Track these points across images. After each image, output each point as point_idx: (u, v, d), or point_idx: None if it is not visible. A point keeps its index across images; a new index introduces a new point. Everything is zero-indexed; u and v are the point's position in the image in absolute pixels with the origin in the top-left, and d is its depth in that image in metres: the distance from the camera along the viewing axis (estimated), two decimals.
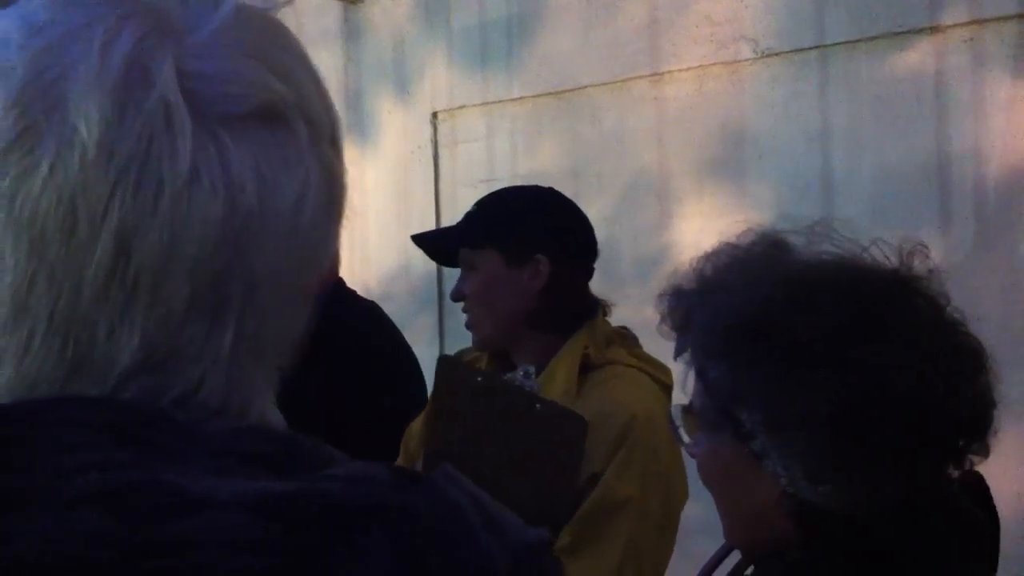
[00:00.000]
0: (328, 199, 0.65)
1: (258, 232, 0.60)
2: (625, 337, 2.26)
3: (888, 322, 1.14)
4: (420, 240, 2.34)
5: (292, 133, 0.62)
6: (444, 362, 2.07)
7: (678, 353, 1.24)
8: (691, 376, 1.24)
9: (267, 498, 0.56)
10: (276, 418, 0.66)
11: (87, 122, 0.57)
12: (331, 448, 0.62)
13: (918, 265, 1.20)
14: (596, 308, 2.25)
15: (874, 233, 1.23)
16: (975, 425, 1.15)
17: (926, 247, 1.21)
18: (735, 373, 1.17)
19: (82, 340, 0.59)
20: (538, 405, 1.97)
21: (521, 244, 2.20)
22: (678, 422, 1.29)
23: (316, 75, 0.66)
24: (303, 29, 6.18)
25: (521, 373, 2.12)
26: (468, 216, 2.27)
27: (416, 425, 2.28)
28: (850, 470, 1.12)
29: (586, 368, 2.15)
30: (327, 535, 0.55)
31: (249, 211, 0.60)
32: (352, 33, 5.85)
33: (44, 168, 0.58)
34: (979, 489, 1.21)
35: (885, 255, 1.20)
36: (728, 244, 1.25)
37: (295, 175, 0.62)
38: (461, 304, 2.26)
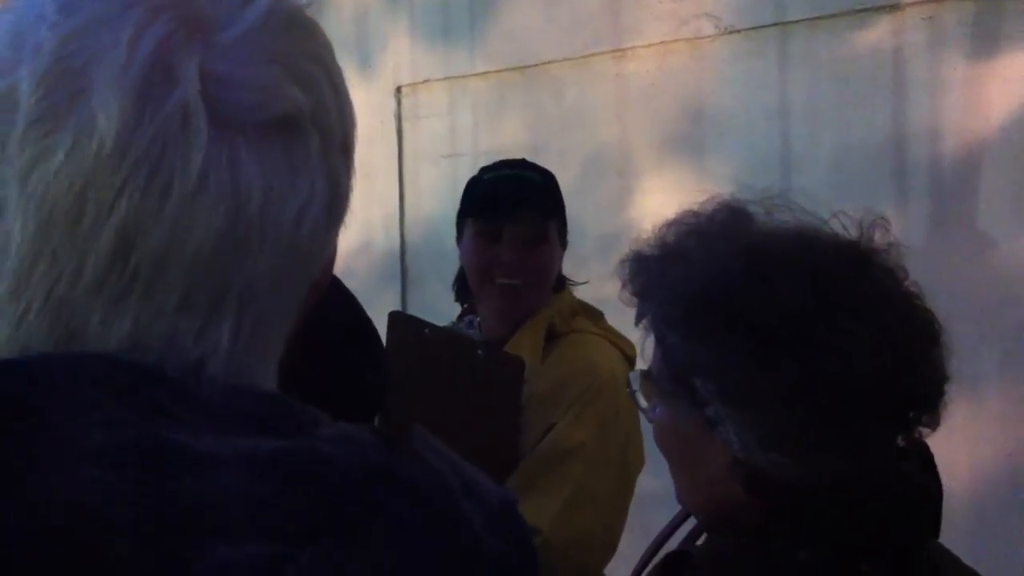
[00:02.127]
0: (329, 208, 0.66)
1: (258, 241, 0.61)
2: (590, 311, 2.32)
3: (844, 299, 1.15)
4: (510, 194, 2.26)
5: (304, 143, 0.63)
6: (395, 317, 2.10)
7: (638, 319, 1.26)
8: (650, 342, 1.25)
9: (266, 456, 0.57)
10: None
11: (107, 115, 0.58)
12: (315, 409, 0.64)
13: (878, 238, 1.21)
14: (561, 282, 2.32)
15: (832, 208, 1.24)
16: (927, 399, 1.17)
17: (887, 220, 1.22)
18: (692, 343, 1.18)
19: (75, 321, 0.60)
20: (480, 351, 2.04)
21: (564, 223, 2.30)
22: (636, 387, 1.31)
23: (336, 81, 0.67)
24: None
25: (465, 322, 2.17)
26: (533, 183, 2.26)
27: None
28: (800, 441, 1.14)
29: (551, 337, 2.20)
30: (332, 493, 0.58)
31: (251, 221, 0.61)
32: (315, 7, 5.80)
33: (60, 154, 0.58)
34: (923, 455, 1.24)
35: (844, 227, 1.21)
36: (690, 212, 1.26)
37: (301, 187, 0.63)
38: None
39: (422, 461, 0.63)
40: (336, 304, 2.69)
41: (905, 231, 3.69)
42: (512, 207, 2.20)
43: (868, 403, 1.13)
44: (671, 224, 1.26)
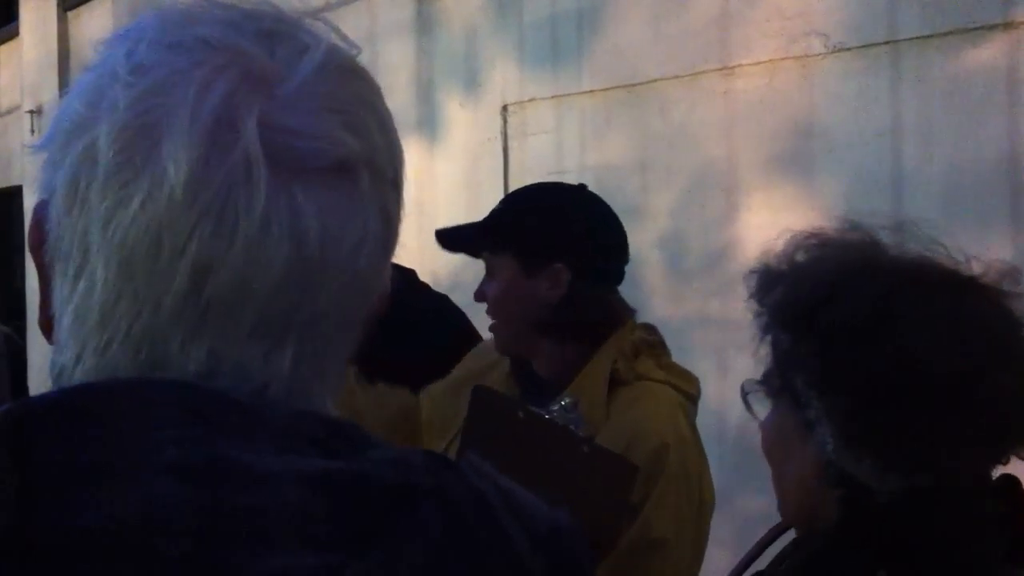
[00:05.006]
0: (384, 240, 0.71)
1: (319, 275, 0.67)
2: (652, 345, 2.15)
3: (935, 307, 1.20)
4: (443, 236, 2.23)
5: (357, 184, 0.68)
6: (480, 392, 1.92)
7: (763, 334, 1.30)
8: (764, 349, 1.30)
9: (319, 474, 0.63)
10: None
11: (176, 166, 0.64)
12: (370, 432, 0.69)
13: (1006, 284, 1.24)
14: (622, 316, 2.14)
15: (944, 228, 1.27)
16: (1019, 422, 1.19)
17: (1020, 272, 1.25)
18: (798, 340, 1.24)
19: (156, 350, 0.67)
20: (585, 448, 1.86)
21: (537, 250, 2.10)
22: (748, 389, 1.35)
23: (384, 122, 0.72)
24: (377, 22, 6.26)
25: (563, 405, 2.00)
26: (491, 214, 2.19)
27: (436, 390, 2.28)
28: (887, 443, 1.18)
29: (615, 382, 2.07)
30: (380, 511, 0.63)
31: (311, 257, 0.66)
32: (425, 26, 5.91)
33: (136, 202, 0.65)
34: (1010, 486, 1.25)
35: (968, 266, 1.25)
36: (821, 231, 1.31)
37: (356, 224, 0.68)
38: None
39: (466, 482, 0.67)
40: (433, 313, 2.79)
41: (1018, 249, 3.62)
42: (475, 241, 2.23)
43: (951, 410, 1.16)
44: (801, 239, 1.31)
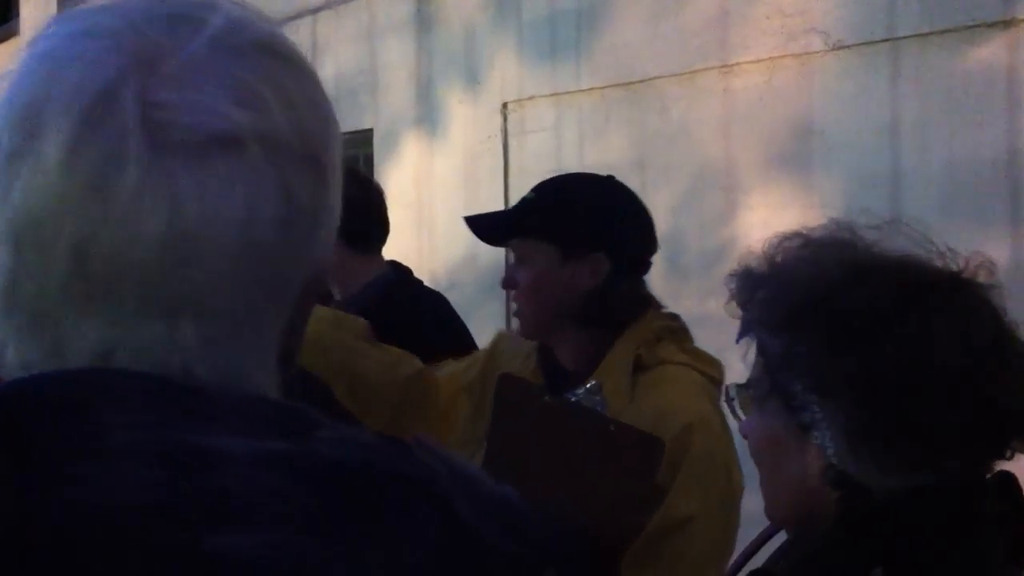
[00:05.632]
0: (283, 217, 0.70)
1: (199, 246, 0.67)
2: (674, 331, 2.17)
3: (932, 304, 1.19)
4: (474, 222, 2.23)
5: (245, 157, 0.68)
6: (505, 380, 1.93)
7: (743, 333, 1.29)
8: (751, 352, 1.29)
9: (276, 455, 0.65)
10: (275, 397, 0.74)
11: (53, 148, 0.65)
12: (318, 413, 0.70)
13: (982, 276, 1.24)
14: (646, 303, 2.16)
15: (943, 228, 1.27)
16: (1019, 418, 1.19)
17: (993, 264, 1.25)
18: (791, 343, 1.22)
19: (53, 330, 0.68)
20: (612, 427, 1.84)
21: (580, 239, 2.10)
22: (734, 395, 1.34)
23: (292, 98, 0.71)
24: (376, 21, 6.26)
25: (587, 388, 2.05)
26: (524, 202, 2.19)
27: (456, 372, 2.29)
28: (882, 446, 1.17)
29: (638, 367, 2.08)
30: (333, 488, 0.65)
31: (188, 231, 0.66)
32: (424, 24, 5.90)
33: (19, 187, 0.66)
34: (1007, 484, 1.24)
35: (951, 262, 1.25)
36: (801, 232, 1.30)
37: (243, 195, 0.68)
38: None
39: (416, 461, 0.69)
40: (427, 312, 2.81)
41: (1016, 248, 3.62)
42: (509, 226, 2.22)
43: (951, 407, 1.16)
44: (780, 241, 1.30)
